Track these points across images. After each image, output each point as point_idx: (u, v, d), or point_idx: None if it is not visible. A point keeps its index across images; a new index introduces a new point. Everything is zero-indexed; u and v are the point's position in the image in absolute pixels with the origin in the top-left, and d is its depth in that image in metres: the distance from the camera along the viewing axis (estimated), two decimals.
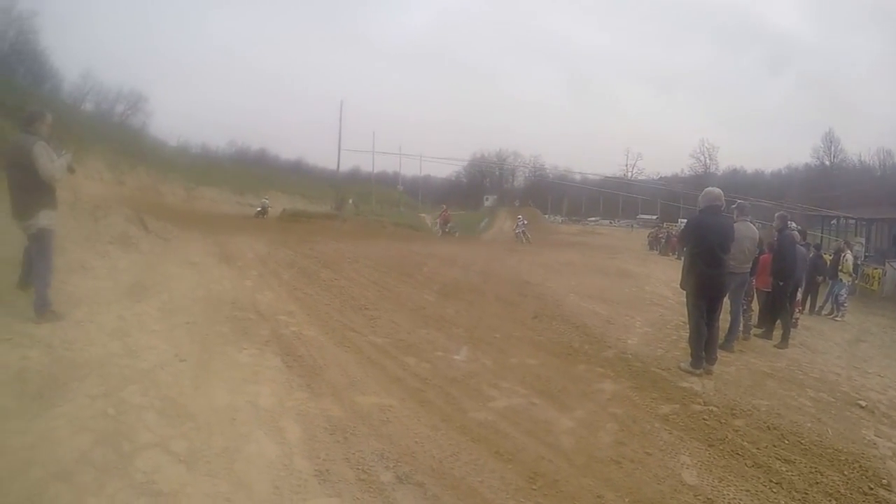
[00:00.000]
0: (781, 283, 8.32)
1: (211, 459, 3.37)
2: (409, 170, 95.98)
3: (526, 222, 35.64)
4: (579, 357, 6.46)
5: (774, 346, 8.16)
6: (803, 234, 10.08)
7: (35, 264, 5.67)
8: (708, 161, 75.47)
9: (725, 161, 76.54)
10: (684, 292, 6.50)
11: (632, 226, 60.84)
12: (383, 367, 5.48)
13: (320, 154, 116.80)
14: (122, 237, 10.52)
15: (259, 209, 32.57)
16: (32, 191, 5.51)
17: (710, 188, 6.55)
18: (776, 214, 8.88)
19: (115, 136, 33.50)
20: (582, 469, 3.74)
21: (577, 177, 79.82)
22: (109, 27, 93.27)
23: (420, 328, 7.18)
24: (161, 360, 4.88)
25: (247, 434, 3.76)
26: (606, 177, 76.91)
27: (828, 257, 14.44)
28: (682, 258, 7.44)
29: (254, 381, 4.74)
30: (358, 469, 3.44)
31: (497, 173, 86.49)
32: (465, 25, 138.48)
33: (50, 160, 5.49)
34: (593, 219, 70.34)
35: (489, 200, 63.57)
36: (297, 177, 59.15)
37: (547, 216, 64.77)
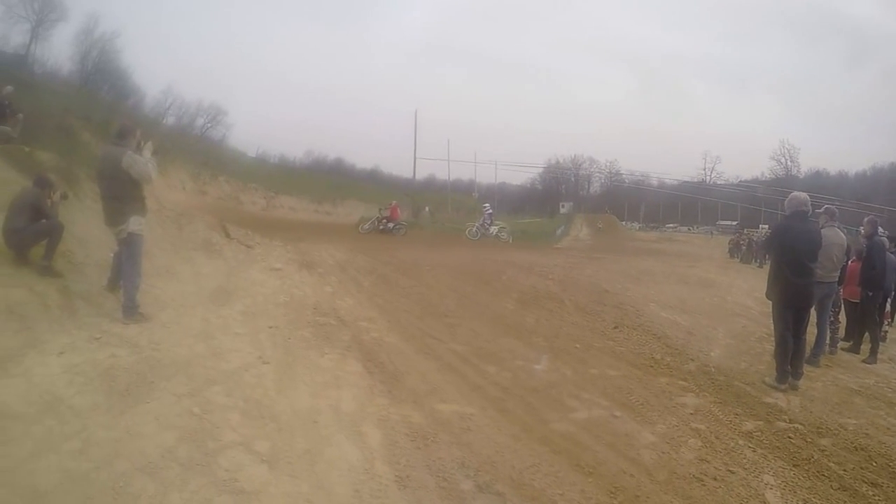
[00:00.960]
0: (871, 294, 7.83)
1: (293, 461, 3.43)
2: (485, 177, 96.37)
3: (491, 212, 29.34)
4: (661, 369, 6.26)
5: (862, 360, 7.62)
6: (893, 240, 9.43)
7: (124, 268, 5.94)
8: (789, 163, 72.78)
9: (807, 163, 73.65)
10: (769, 303, 6.23)
11: (711, 232, 59.20)
12: (464, 375, 5.47)
13: (396, 163, 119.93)
14: (206, 244, 10.94)
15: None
16: (123, 198, 5.81)
17: (795, 193, 6.24)
18: (865, 219, 8.39)
19: (196, 148, 35.27)
20: (663, 485, 3.63)
21: (654, 182, 78.55)
22: (189, 45, 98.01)
23: (500, 336, 7.14)
24: (245, 363, 5.02)
25: (328, 437, 3.80)
26: (684, 181, 75.44)
27: None
28: (766, 266, 7.08)
29: (335, 385, 4.81)
30: (438, 476, 3.43)
31: (573, 179, 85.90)
32: (540, 31, 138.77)
33: (143, 165, 5.77)
34: (671, 225, 68.93)
35: (565, 207, 62.89)
36: (373, 185, 60.23)
37: (624, 223, 63.84)
